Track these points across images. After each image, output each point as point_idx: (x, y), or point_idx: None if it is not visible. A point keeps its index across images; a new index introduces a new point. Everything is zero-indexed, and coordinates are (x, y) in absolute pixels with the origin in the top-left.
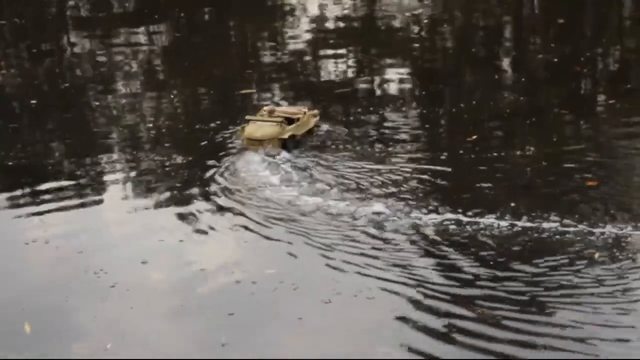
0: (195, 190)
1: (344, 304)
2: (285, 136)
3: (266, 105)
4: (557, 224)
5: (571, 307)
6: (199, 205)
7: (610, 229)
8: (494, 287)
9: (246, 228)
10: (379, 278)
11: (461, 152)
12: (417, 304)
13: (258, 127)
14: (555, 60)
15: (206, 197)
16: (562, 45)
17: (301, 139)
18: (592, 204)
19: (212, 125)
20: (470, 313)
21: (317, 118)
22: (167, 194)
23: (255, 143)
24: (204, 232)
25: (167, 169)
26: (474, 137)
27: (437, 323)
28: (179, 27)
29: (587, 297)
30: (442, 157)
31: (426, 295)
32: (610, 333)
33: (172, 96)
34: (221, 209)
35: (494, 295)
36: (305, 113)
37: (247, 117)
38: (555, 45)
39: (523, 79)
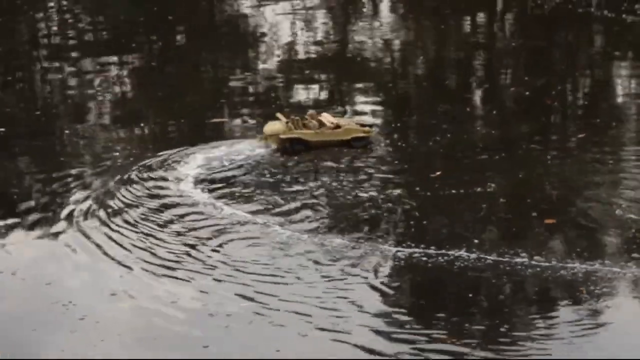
0: (160, 221)
1: (321, 337)
2: (285, 136)
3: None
4: (526, 259)
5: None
6: (165, 236)
7: (579, 265)
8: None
9: (219, 262)
10: (352, 312)
11: (420, 188)
12: (390, 337)
13: (271, 124)
14: (527, 93)
15: (172, 228)
16: (535, 78)
17: (321, 146)
18: (553, 241)
19: (176, 151)
20: (448, 346)
21: (364, 134)
22: (133, 226)
23: (266, 138)
24: (174, 264)
25: (133, 199)
26: (438, 173)
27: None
28: (154, 56)
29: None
30: (403, 192)
31: (401, 327)
32: None
33: (142, 125)
34: (190, 241)
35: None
36: (336, 125)
37: (277, 114)
38: (528, 78)
39: (495, 112)
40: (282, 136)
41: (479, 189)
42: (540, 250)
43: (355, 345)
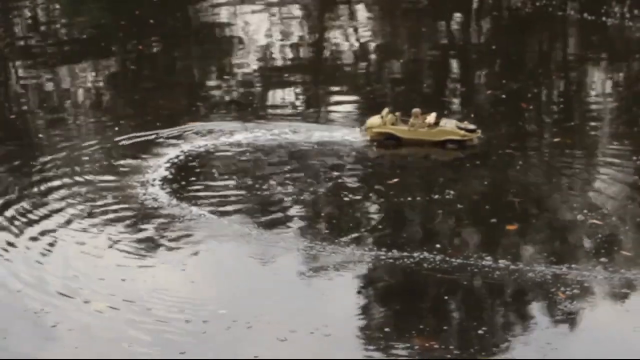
0: (133, 229)
1: (299, 341)
2: (378, 130)
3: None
4: (491, 261)
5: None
6: (141, 242)
7: (546, 269)
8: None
9: (195, 266)
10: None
11: (381, 194)
12: (367, 340)
13: (373, 118)
14: (504, 96)
15: (144, 234)
16: (512, 82)
17: (413, 143)
18: (516, 246)
19: (147, 157)
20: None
21: (459, 137)
22: (107, 233)
23: (366, 130)
24: (148, 270)
25: (105, 206)
26: (395, 180)
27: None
28: (132, 60)
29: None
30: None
31: (376, 329)
32: None
33: (116, 129)
34: (167, 245)
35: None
36: (429, 123)
37: (385, 108)
38: (505, 81)
39: (472, 115)
40: (375, 130)
41: (436, 196)
42: (504, 254)
43: (334, 349)
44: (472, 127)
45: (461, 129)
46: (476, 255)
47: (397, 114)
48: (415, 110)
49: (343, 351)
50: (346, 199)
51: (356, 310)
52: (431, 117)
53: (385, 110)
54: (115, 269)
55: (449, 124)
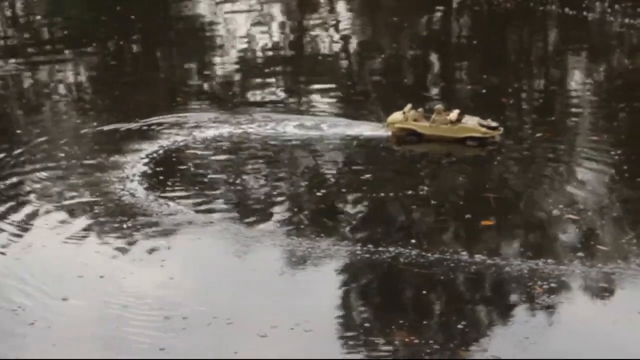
0: (111, 226)
1: (279, 337)
2: (400, 126)
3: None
4: (467, 256)
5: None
6: (120, 239)
7: (522, 263)
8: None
9: (174, 261)
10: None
11: (354, 188)
12: (347, 335)
13: (395, 114)
14: (484, 91)
15: (123, 231)
16: (492, 76)
17: (434, 140)
18: (492, 241)
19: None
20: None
21: (480, 134)
22: (85, 230)
23: (388, 125)
24: (127, 267)
25: (83, 202)
26: (368, 175)
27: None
28: (113, 56)
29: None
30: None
31: (356, 325)
32: None
33: (95, 124)
34: (145, 242)
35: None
36: (451, 120)
37: (408, 104)
38: (486, 76)
39: (453, 110)
40: (397, 125)
41: (410, 192)
42: (480, 249)
43: (314, 344)
44: (494, 124)
45: (483, 126)
46: (452, 250)
47: (420, 109)
48: (438, 106)
49: (324, 346)
50: (324, 194)
51: (336, 306)
52: (453, 114)
53: (408, 106)
54: (94, 266)
55: (470, 121)
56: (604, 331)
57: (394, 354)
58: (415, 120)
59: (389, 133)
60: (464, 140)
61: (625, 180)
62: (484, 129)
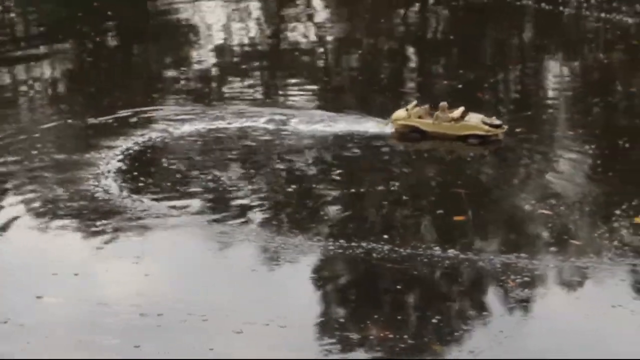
0: (85, 222)
1: (255, 333)
2: (403, 123)
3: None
4: (440, 250)
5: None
6: (94, 235)
7: (495, 258)
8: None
9: (149, 258)
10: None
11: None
12: (329, 331)
13: (399, 111)
14: (460, 86)
15: (97, 228)
16: (469, 71)
17: (437, 137)
18: (464, 236)
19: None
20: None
21: (482, 132)
22: (60, 227)
23: (392, 122)
24: (102, 264)
25: (57, 199)
26: (338, 170)
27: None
28: (89, 52)
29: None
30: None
31: (332, 320)
32: None
33: (70, 121)
34: (120, 239)
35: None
36: (453, 118)
37: (414, 101)
38: (462, 71)
39: (429, 105)
40: (400, 122)
41: (381, 188)
42: (453, 244)
43: (290, 340)
44: (497, 122)
45: (487, 124)
46: (425, 246)
47: (426, 106)
48: (442, 103)
49: (299, 342)
50: (298, 190)
51: (310, 301)
52: (457, 112)
53: (413, 103)
54: (68, 264)
55: (474, 119)
56: (577, 324)
57: (369, 348)
58: (420, 117)
59: (393, 130)
60: (466, 138)
61: (599, 174)
62: (486, 127)
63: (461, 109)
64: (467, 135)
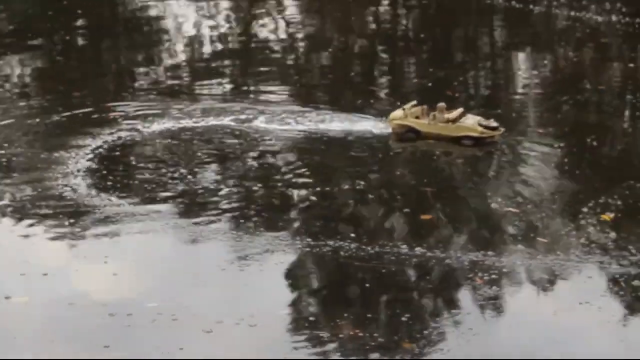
0: (53, 222)
1: (225, 332)
2: (399, 122)
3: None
4: (407, 249)
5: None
6: (62, 235)
7: (462, 256)
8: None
9: (117, 257)
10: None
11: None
12: (298, 329)
13: (397, 111)
14: (430, 84)
15: (65, 227)
16: (438, 70)
17: (432, 138)
18: (431, 234)
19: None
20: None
21: (477, 134)
22: (27, 227)
23: (390, 121)
24: (70, 263)
25: (25, 199)
26: (306, 169)
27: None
28: (59, 50)
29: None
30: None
31: (302, 320)
32: None
33: (37, 120)
34: (88, 238)
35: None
36: (448, 119)
37: (414, 101)
38: (432, 69)
39: (398, 104)
40: (396, 122)
41: (347, 187)
42: (420, 242)
43: (260, 340)
44: (494, 125)
45: (483, 126)
46: (392, 244)
47: (424, 107)
48: (440, 104)
49: (269, 341)
50: (267, 188)
51: (280, 300)
52: (454, 113)
53: (410, 103)
54: (37, 264)
55: (470, 120)
56: (545, 322)
57: (340, 346)
58: (417, 117)
59: (390, 129)
60: (459, 139)
61: (566, 172)
62: (480, 129)
63: (459, 110)
64: (461, 137)
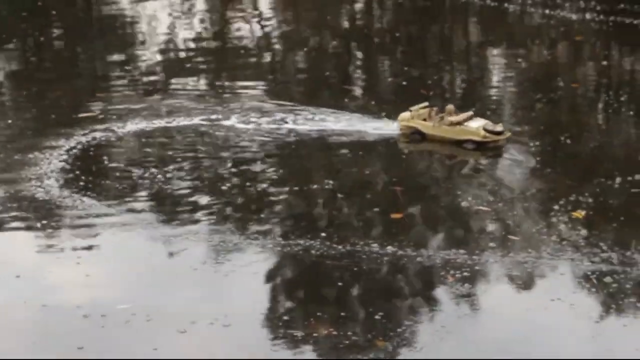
0: (26, 223)
1: (199, 332)
2: (405, 124)
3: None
4: (378, 247)
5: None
6: (35, 237)
7: (434, 254)
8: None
9: (90, 258)
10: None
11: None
12: (272, 328)
13: (405, 112)
14: (405, 83)
15: (38, 230)
16: (412, 69)
17: (436, 140)
18: (402, 233)
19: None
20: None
21: (480, 138)
22: (1, 226)
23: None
24: (43, 265)
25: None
26: (278, 168)
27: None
28: (33, 51)
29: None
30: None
31: (276, 318)
32: None
33: (9, 121)
34: (61, 239)
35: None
36: (452, 122)
37: (425, 102)
38: (407, 68)
39: (373, 102)
40: (402, 123)
41: (316, 186)
42: (391, 241)
43: (234, 339)
44: (499, 129)
45: (488, 130)
46: (363, 243)
47: (434, 108)
48: (449, 107)
49: (243, 340)
50: (240, 188)
51: (253, 299)
52: (461, 116)
53: (419, 105)
54: (9, 266)
55: (474, 124)
56: (517, 318)
57: (315, 345)
58: (424, 119)
59: (398, 130)
60: (462, 142)
61: (538, 170)
62: (483, 133)
63: (468, 113)
64: (464, 140)
